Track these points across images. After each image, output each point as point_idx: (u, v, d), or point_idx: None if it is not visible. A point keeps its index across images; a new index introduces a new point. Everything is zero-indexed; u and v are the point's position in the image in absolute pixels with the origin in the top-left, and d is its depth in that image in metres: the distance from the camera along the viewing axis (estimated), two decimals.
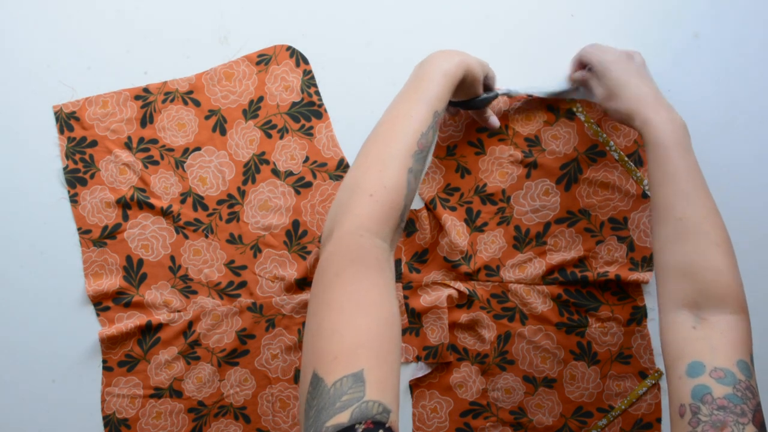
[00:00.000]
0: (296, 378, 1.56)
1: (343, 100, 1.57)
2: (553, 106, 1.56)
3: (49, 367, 1.55)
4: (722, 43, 1.59)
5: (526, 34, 1.58)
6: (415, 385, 1.57)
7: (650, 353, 1.57)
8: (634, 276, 1.54)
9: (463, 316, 1.56)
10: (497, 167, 1.56)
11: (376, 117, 1.55)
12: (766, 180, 1.59)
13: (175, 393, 1.55)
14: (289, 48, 1.56)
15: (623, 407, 1.58)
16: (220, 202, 1.55)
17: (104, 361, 1.55)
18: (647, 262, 1.57)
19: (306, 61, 1.56)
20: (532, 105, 1.56)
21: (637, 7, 1.58)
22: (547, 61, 1.58)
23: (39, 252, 1.55)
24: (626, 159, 1.56)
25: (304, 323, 1.55)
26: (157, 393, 1.55)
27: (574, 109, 1.56)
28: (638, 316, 1.57)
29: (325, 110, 1.56)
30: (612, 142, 1.56)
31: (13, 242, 1.54)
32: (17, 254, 1.54)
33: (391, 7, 1.57)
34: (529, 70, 1.58)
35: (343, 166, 1.56)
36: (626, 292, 1.56)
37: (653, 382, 1.58)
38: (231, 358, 1.56)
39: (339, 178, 1.55)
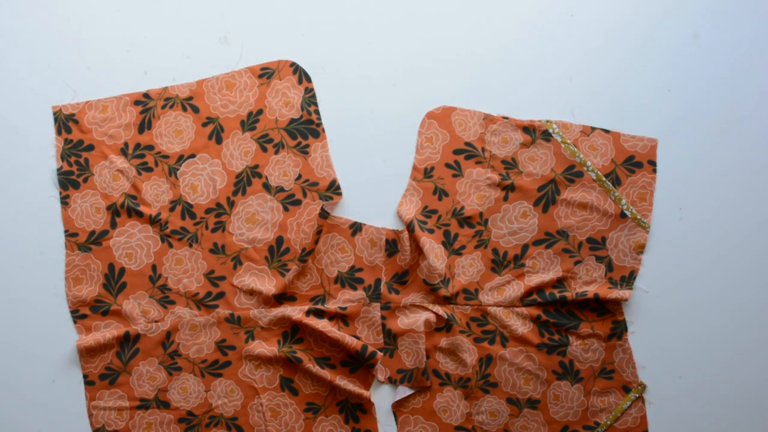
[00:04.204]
0: (282, 386, 1.57)
1: (343, 99, 1.60)
2: (529, 128, 1.57)
3: (49, 368, 1.56)
4: (722, 43, 1.61)
5: (526, 34, 1.61)
6: (398, 410, 1.57)
7: (633, 367, 1.57)
8: (614, 294, 1.55)
9: (443, 340, 1.57)
10: (475, 190, 1.58)
11: (376, 117, 1.59)
12: (765, 179, 1.59)
13: (162, 404, 1.56)
14: (293, 64, 1.59)
15: (609, 422, 1.56)
16: (208, 211, 1.57)
17: (85, 376, 1.56)
18: (626, 280, 1.57)
19: (309, 79, 1.59)
20: (509, 127, 1.57)
21: (637, 7, 1.61)
22: (548, 61, 1.60)
23: (39, 252, 1.57)
24: (604, 179, 1.56)
25: (283, 333, 1.57)
26: (144, 404, 1.56)
27: (551, 131, 1.57)
28: (619, 330, 1.57)
29: (323, 130, 1.59)
30: (590, 162, 1.56)
31: (12, 242, 1.57)
32: (17, 254, 1.57)
33: (391, 8, 1.60)
34: (529, 70, 1.60)
35: (334, 187, 1.57)
36: (605, 307, 1.56)
37: (637, 395, 1.57)
38: (213, 369, 1.57)
39: (329, 198, 1.57)
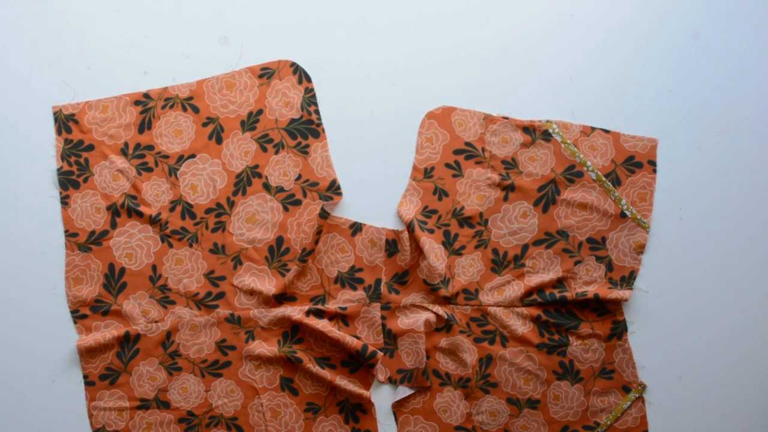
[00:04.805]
0: (282, 386, 1.57)
1: (343, 99, 1.60)
2: (529, 128, 1.58)
3: (49, 368, 1.56)
4: (722, 43, 1.61)
5: (526, 34, 1.61)
6: (398, 411, 1.58)
7: (633, 367, 1.57)
8: (614, 294, 1.55)
9: (443, 341, 1.57)
10: (475, 190, 1.58)
11: (376, 117, 1.59)
12: (765, 179, 1.60)
13: (162, 404, 1.56)
14: (293, 64, 1.59)
15: (609, 422, 1.57)
16: (208, 211, 1.57)
17: (85, 376, 1.56)
18: (626, 281, 1.57)
19: (309, 79, 1.59)
20: (509, 127, 1.58)
21: (637, 7, 1.62)
22: (548, 61, 1.60)
23: (39, 252, 1.57)
24: (604, 179, 1.57)
25: (284, 333, 1.57)
26: (144, 404, 1.56)
27: (551, 131, 1.57)
28: (618, 330, 1.57)
29: (323, 130, 1.59)
30: (589, 163, 1.57)
31: (12, 242, 1.57)
32: (17, 254, 1.57)
33: (391, 8, 1.61)
34: (529, 70, 1.60)
35: (334, 187, 1.58)
36: (605, 307, 1.56)
37: (637, 395, 1.57)
38: (213, 369, 1.57)
39: (329, 198, 1.57)
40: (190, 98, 1.58)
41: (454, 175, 1.58)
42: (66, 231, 1.57)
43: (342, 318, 1.57)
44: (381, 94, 1.60)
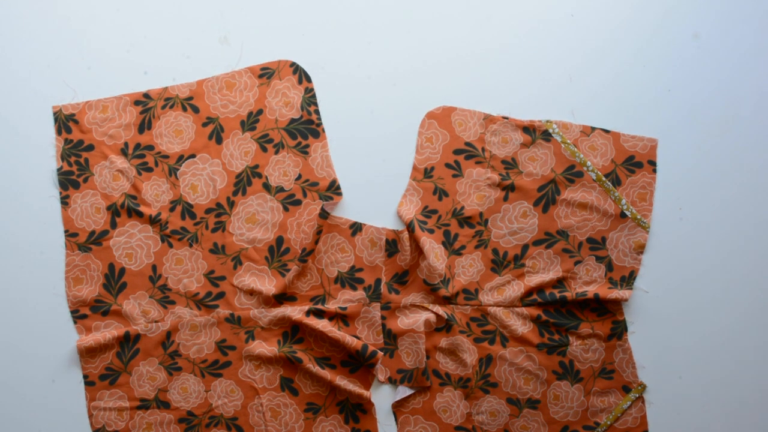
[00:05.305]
0: (282, 386, 1.57)
1: (343, 99, 1.61)
2: (529, 128, 1.58)
3: (49, 368, 1.56)
4: (722, 43, 1.62)
5: (526, 34, 1.61)
6: (398, 411, 1.58)
7: (632, 367, 1.57)
8: (614, 294, 1.55)
9: (443, 341, 1.57)
10: (475, 190, 1.58)
11: (376, 117, 1.60)
12: (765, 179, 1.60)
13: (162, 404, 1.56)
14: (293, 64, 1.59)
15: (609, 422, 1.57)
16: (208, 211, 1.57)
17: (85, 376, 1.56)
18: (626, 280, 1.57)
19: (309, 79, 1.59)
20: (509, 127, 1.58)
21: (637, 7, 1.62)
22: (548, 61, 1.61)
23: (39, 252, 1.57)
24: (604, 179, 1.57)
25: (284, 333, 1.57)
26: (144, 404, 1.56)
27: (551, 131, 1.57)
28: (619, 330, 1.57)
29: (323, 130, 1.59)
30: (589, 162, 1.57)
31: (12, 242, 1.57)
32: (17, 254, 1.57)
33: (391, 8, 1.61)
34: (529, 70, 1.61)
35: (334, 187, 1.58)
36: (605, 307, 1.57)
37: (637, 395, 1.57)
38: (213, 369, 1.57)
39: (329, 198, 1.57)
40: (190, 98, 1.58)
41: (454, 175, 1.58)
42: (66, 231, 1.57)
43: (342, 318, 1.57)
44: (381, 94, 1.60)
